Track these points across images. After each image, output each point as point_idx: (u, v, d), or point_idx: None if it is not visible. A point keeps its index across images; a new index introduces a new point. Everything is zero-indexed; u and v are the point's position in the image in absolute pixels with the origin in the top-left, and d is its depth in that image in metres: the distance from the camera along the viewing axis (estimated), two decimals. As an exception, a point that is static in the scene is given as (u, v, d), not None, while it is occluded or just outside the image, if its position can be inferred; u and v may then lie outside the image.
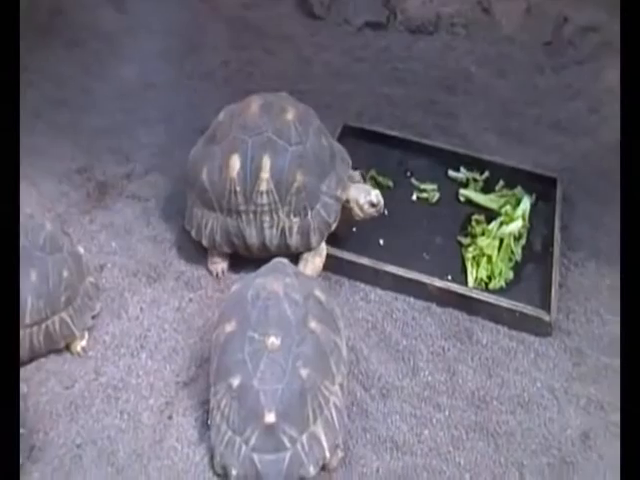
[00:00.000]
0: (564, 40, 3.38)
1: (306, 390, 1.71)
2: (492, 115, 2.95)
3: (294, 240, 2.11)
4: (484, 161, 2.64)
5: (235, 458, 1.70)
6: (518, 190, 2.54)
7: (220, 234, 2.13)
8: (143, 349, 1.97)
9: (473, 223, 2.42)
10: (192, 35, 3.43)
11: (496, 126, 2.89)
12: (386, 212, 2.30)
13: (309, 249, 2.15)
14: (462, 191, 2.55)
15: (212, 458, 1.74)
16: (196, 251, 2.27)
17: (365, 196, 2.15)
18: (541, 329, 2.11)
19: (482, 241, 2.33)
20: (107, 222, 2.38)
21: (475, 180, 2.60)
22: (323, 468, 1.74)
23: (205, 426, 1.80)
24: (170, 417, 1.83)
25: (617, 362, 2.01)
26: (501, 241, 2.35)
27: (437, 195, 2.54)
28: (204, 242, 2.17)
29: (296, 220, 2.09)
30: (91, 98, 2.91)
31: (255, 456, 1.70)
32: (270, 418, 1.66)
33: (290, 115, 2.08)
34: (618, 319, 2.12)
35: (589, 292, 2.23)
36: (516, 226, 2.39)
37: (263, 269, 1.96)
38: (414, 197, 2.54)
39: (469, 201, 2.53)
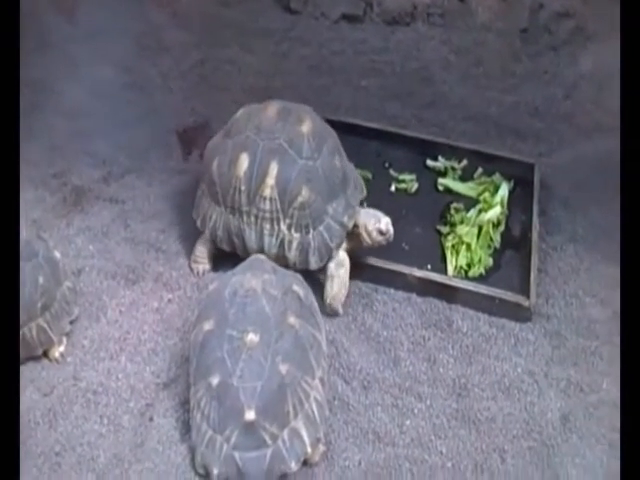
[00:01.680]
0: (539, 27, 3.38)
1: (286, 386, 1.71)
2: (469, 103, 2.95)
3: (292, 255, 2.07)
4: (462, 149, 2.63)
5: (216, 457, 1.70)
6: (496, 177, 2.55)
7: (222, 230, 2.12)
8: (123, 352, 1.97)
9: (452, 211, 2.42)
10: (168, 34, 3.40)
11: (474, 114, 2.89)
12: (365, 204, 2.30)
13: (307, 268, 2.08)
14: (441, 180, 2.55)
15: (193, 458, 1.73)
16: (175, 252, 2.27)
17: (375, 222, 2.07)
18: (521, 314, 2.11)
19: (461, 229, 2.33)
20: (84, 226, 2.36)
21: (453, 169, 2.60)
22: (305, 463, 1.74)
23: (186, 426, 1.80)
24: (151, 419, 1.83)
25: (595, 344, 2.03)
26: (480, 228, 2.35)
27: (416, 185, 2.54)
28: (207, 234, 2.16)
29: (297, 235, 2.05)
30: (65, 101, 2.89)
31: (236, 454, 1.70)
32: (250, 415, 1.67)
33: (305, 127, 2.04)
34: (596, 301, 2.14)
35: (568, 276, 2.24)
36: (494, 213, 2.40)
37: (240, 266, 1.96)
38: (393, 188, 2.54)
39: (448, 190, 2.53)
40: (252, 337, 1.73)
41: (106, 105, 2.86)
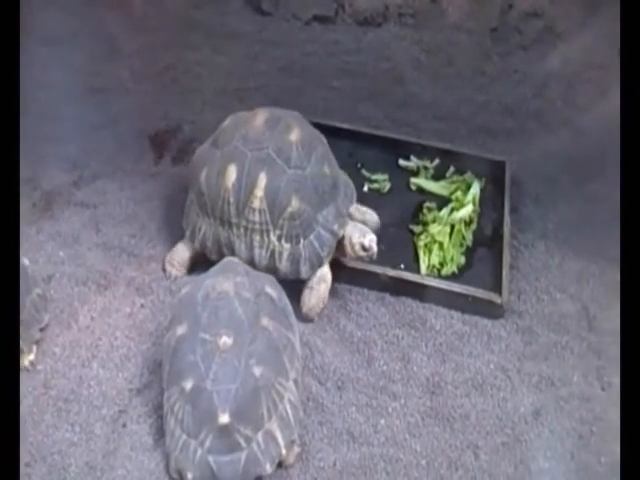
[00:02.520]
0: (509, 26, 3.42)
1: (260, 388, 1.70)
2: (441, 103, 2.97)
3: (283, 266, 2.05)
4: (434, 149, 2.65)
5: (190, 462, 1.69)
6: (468, 175, 2.57)
7: (212, 242, 2.10)
8: (94, 358, 1.94)
9: (425, 211, 2.44)
10: (140, 37, 3.37)
11: (445, 114, 2.91)
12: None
13: (298, 278, 2.07)
14: (413, 180, 2.56)
15: (167, 464, 1.72)
16: (147, 256, 2.25)
17: (359, 236, 2.06)
18: (493, 311, 2.14)
19: (433, 228, 2.35)
20: (54, 232, 2.33)
21: (426, 168, 2.62)
22: (280, 465, 1.74)
23: (160, 432, 1.78)
24: (124, 425, 1.81)
25: (566, 338, 2.06)
26: (452, 227, 2.37)
27: (388, 185, 2.55)
28: (196, 245, 2.14)
29: (287, 246, 2.03)
30: (35, 106, 2.84)
31: (210, 458, 1.69)
32: (224, 419, 1.66)
33: (294, 136, 2.01)
34: (566, 296, 2.18)
35: (539, 272, 2.27)
36: (467, 211, 2.42)
37: (213, 269, 1.95)
38: (365, 188, 2.55)
39: (420, 189, 2.54)
40: (225, 340, 1.72)
41: (75, 109, 2.83)
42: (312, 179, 2.01)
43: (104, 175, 2.54)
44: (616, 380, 1.95)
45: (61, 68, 3.05)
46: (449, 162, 2.62)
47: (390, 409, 1.87)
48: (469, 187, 2.51)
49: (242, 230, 2.03)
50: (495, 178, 2.56)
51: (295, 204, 1.97)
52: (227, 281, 1.84)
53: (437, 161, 2.63)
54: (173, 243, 2.27)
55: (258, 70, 3.15)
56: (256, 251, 2.04)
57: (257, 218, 2.00)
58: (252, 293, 1.83)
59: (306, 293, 2.07)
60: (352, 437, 1.80)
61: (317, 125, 2.70)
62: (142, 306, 2.11)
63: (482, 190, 2.51)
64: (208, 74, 3.12)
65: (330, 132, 2.68)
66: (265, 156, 1.98)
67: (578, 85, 3.04)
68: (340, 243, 2.09)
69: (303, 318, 2.09)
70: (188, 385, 1.70)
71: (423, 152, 2.65)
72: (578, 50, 3.24)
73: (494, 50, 3.31)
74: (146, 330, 2.05)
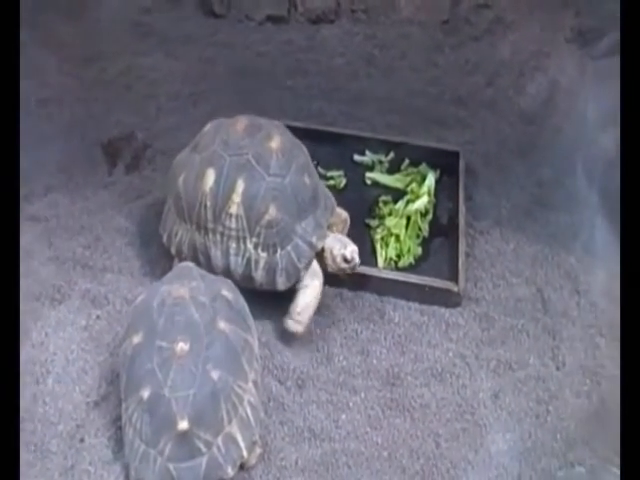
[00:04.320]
0: (460, 18, 3.46)
1: (218, 392, 1.69)
2: (395, 96, 3.00)
3: (259, 275, 2.00)
4: (388, 142, 2.67)
5: (150, 471, 1.68)
6: (422, 167, 2.59)
7: (188, 247, 2.07)
8: (49, 374, 1.91)
9: (380, 204, 2.45)
10: (91, 44, 3.33)
11: (399, 107, 2.94)
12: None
13: (274, 289, 2.02)
14: (368, 174, 2.58)
15: (127, 476, 1.70)
16: (101, 267, 2.22)
17: (340, 248, 2.02)
18: (451, 300, 2.16)
19: (389, 221, 2.37)
20: (6, 247, 2.29)
21: (381, 162, 2.63)
22: (242, 467, 1.74)
23: (119, 444, 1.76)
24: (82, 440, 1.78)
25: (522, 322, 2.10)
26: (408, 219, 2.39)
27: (344, 181, 2.56)
28: (172, 250, 2.11)
29: (263, 255, 1.98)
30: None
31: (171, 466, 1.67)
32: (183, 425, 1.65)
33: (274, 144, 1.98)
34: (521, 280, 2.21)
35: (494, 258, 2.30)
36: (422, 203, 2.44)
37: (168, 276, 1.94)
38: (321, 186, 2.55)
39: (376, 183, 2.56)
40: (182, 346, 1.71)
41: (24, 121, 2.75)
42: (292, 188, 1.97)
43: (56, 188, 2.50)
44: (570, 359, 1.99)
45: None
46: (404, 155, 2.64)
47: (351, 404, 1.88)
48: (424, 179, 2.53)
49: (218, 236, 2.00)
50: (450, 168, 2.58)
51: (273, 212, 1.94)
52: (182, 287, 1.83)
53: (392, 155, 2.65)
54: (128, 253, 2.25)
55: (212, 73, 3.14)
56: (232, 258, 2.01)
57: (234, 224, 1.96)
58: (208, 297, 1.82)
59: (300, 293, 2.02)
60: (313, 434, 1.81)
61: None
62: (98, 317, 2.09)
63: (437, 181, 2.54)
64: (162, 79, 3.10)
65: (284, 131, 2.72)
66: (244, 162, 1.95)
67: (528, 73, 3.09)
68: (320, 255, 2.05)
69: (289, 329, 2.01)
70: (146, 394, 1.68)
71: (378, 146, 2.66)
72: (527, 39, 3.29)
73: (446, 42, 3.35)
74: (103, 342, 2.02)
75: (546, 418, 1.86)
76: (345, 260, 2.02)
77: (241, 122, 2.04)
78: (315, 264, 2.06)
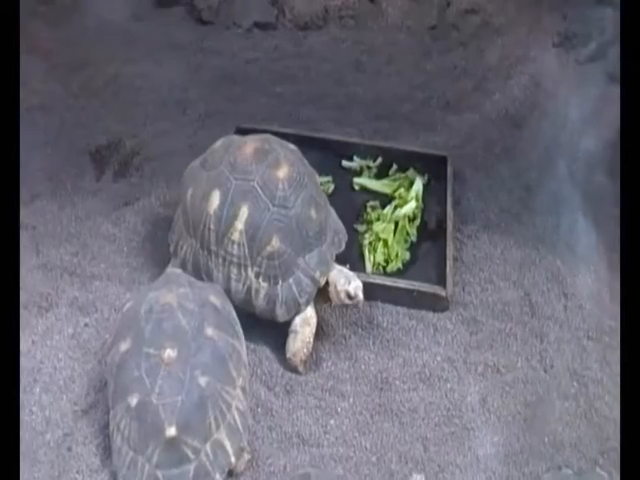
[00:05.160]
0: (448, 24, 3.49)
1: (206, 398, 1.69)
2: (383, 102, 3.01)
3: (259, 304, 1.97)
4: (376, 147, 2.68)
5: (138, 478, 1.67)
6: (410, 172, 2.60)
7: (191, 263, 2.04)
8: (36, 383, 1.90)
9: (368, 210, 2.46)
10: (79, 51, 3.33)
11: (387, 112, 2.95)
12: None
13: (274, 319, 1.99)
14: (356, 180, 2.59)
15: (115, 483, 1.70)
16: (89, 275, 2.22)
17: (344, 283, 1.96)
18: (439, 304, 2.17)
19: (377, 226, 2.37)
20: (-7, 256, 2.28)
21: (369, 167, 2.65)
22: (230, 473, 1.73)
23: (107, 452, 1.75)
24: (69, 449, 1.77)
25: (510, 326, 2.11)
26: (396, 224, 2.40)
27: (332, 186, 2.57)
28: (177, 262, 2.09)
29: (264, 285, 1.95)
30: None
31: (159, 473, 1.67)
32: (171, 432, 1.64)
33: (281, 173, 1.92)
34: (509, 284, 2.23)
35: (482, 263, 2.31)
36: (410, 207, 2.45)
37: (156, 282, 1.93)
38: (310, 191, 2.56)
39: (364, 189, 2.57)
40: (169, 353, 1.71)
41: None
42: (297, 221, 1.93)
43: (43, 195, 2.50)
44: (557, 362, 2.01)
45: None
46: (392, 160, 2.65)
47: (339, 409, 1.88)
48: (412, 184, 2.54)
49: (220, 260, 1.97)
50: (438, 173, 2.60)
51: (275, 244, 1.90)
52: (170, 293, 1.83)
53: (380, 160, 2.66)
54: (117, 260, 2.25)
55: (200, 80, 3.15)
56: (233, 284, 1.98)
57: (236, 251, 1.94)
58: (196, 304, 1.82)
59: (290, 338, 1.98)
60: (302, 440, 1.81)
61: (260, 131, 2.73)
62: (86, 325, 2.08)
63: (425, 186, 2.55)
64: (150, 87, 3.10)
65: (272, 138, 2.72)
66: (250, 188, 1.91)
67: (515, 78, 3.12)
68: (324, 288, 2.01)
69: (288, 368, 2.00)
70: (134, 401, 1.68)
71: (366, 152, 2.68)
72: (514, 44, 3.32)
73: (434, 47, 3.37)
74: (91, 349, 2.02)
75: (533, 421, 1.87)
76: (349, 296, 1.97)
77: (250, 144, 1.99)
78: (310, 310, 2.00)
